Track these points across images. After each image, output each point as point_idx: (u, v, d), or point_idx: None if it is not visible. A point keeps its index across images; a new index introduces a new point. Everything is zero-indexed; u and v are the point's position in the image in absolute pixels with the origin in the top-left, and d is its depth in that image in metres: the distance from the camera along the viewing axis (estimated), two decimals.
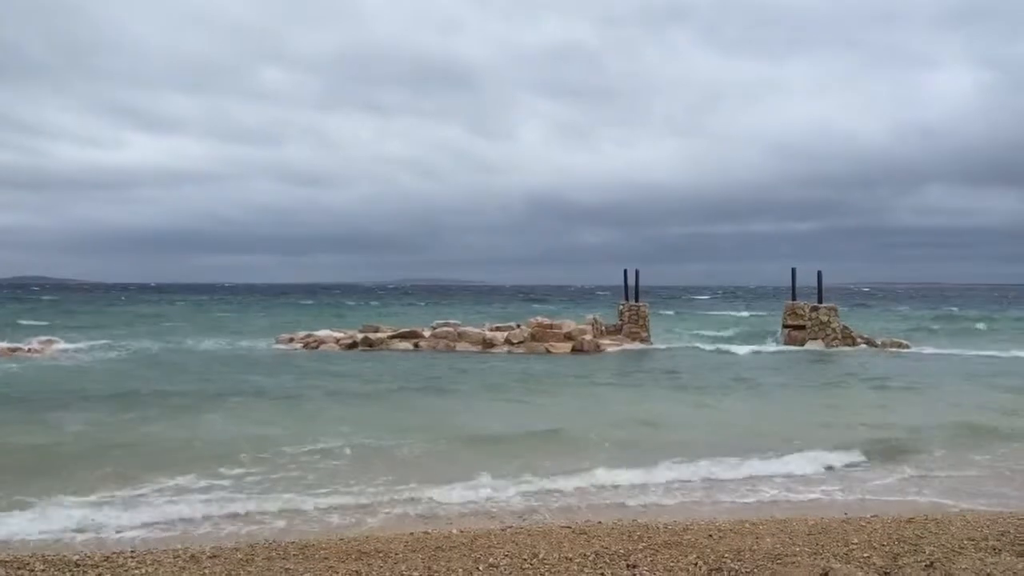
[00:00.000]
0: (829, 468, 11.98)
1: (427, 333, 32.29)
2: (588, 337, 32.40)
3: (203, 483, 10.56)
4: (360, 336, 31.96)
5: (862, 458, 12.48)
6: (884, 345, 34.17)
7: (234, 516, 9.24)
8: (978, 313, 64.77)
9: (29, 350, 29.06)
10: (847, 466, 12.08)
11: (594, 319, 35.09)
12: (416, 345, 31.16)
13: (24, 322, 46.22)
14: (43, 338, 31.73)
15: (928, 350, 33.74)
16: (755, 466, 11.95)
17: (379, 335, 32.03)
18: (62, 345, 31.32)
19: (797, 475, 11.54)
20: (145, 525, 8.81)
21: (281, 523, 9.00)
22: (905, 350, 33.45)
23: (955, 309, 73.41)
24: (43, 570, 6.68)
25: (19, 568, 6.73)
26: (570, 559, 6.97)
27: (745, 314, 61.42)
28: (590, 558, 6.99)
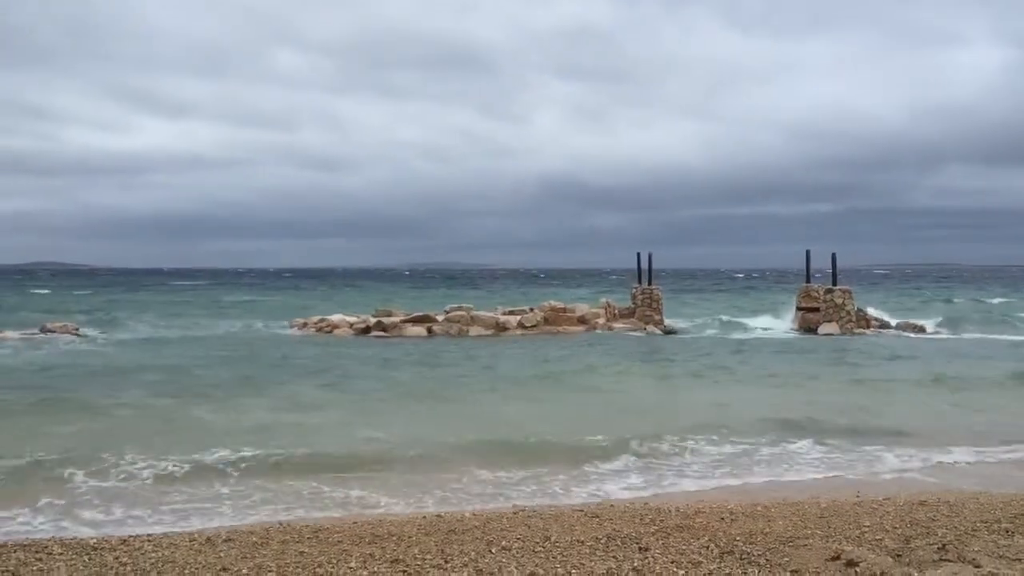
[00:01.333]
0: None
1: (440, 318, 32.31)
2: (601, 321, 32.40)
3: (234, 463, 10.71)
4: (373, 321, 32.02)
5: None
6: (900, 328, 34.01)
7: (256, 500, 9.36)
8: (997, 296, 64.28)
9: (47, 334, 29.29)
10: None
11: (607, 303, 35.05)
12: (429, 330, 31.20)
13: (38, 307, 46.52)
14: (59, 323, 31.92)
15: (945, 334, 33.56)
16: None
17: (392, 320, 32.08)
18: (80, 330, 31.55)
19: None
20: (172, 509, 8.96)
21: (302, 510, 9.10)
22: (921, 334, 33.26)
23: (974, 291, 72.90)
24: (61, 553, 6.77)
25: (37, 551, 6.82)
26: (582, 542, 7.00)
27: (761, 297, 61.17)
28: (602, 541, 7.02)
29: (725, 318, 40.74)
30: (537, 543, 6.98)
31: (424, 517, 8.23)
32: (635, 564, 6.35)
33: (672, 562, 6.41)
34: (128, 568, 6.32)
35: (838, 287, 33.84)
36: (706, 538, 7.08)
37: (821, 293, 33.94)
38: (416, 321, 32.05)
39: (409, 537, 7.26)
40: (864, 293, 43.87)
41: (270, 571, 6.22)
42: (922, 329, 34.04)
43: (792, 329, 34.23)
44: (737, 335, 32.81)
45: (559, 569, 6.25)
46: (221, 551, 6.86)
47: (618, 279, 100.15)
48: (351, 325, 31.96)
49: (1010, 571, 5.91)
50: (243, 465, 10.78)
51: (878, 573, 5.98)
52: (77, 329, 31.47)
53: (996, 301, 56.23)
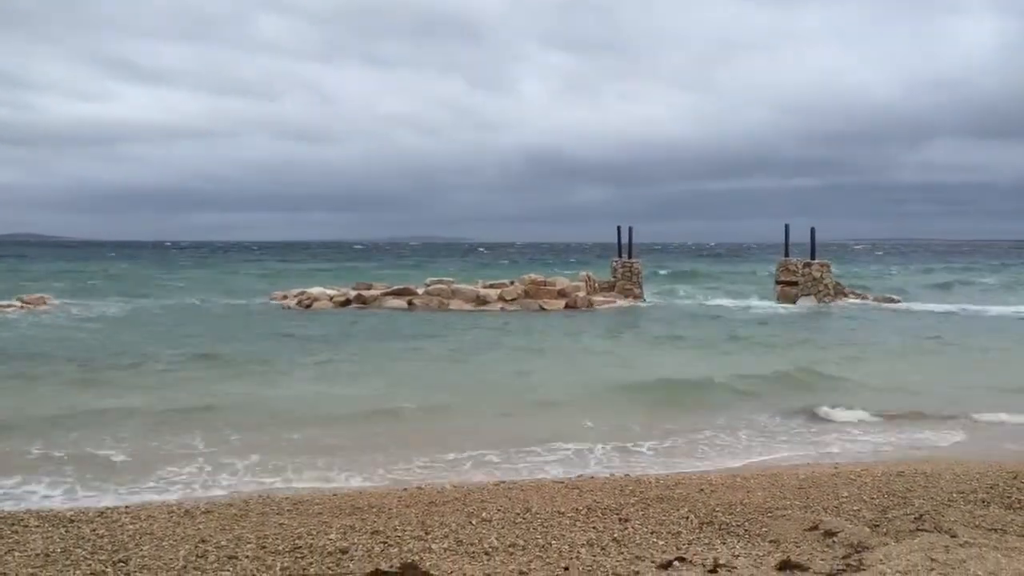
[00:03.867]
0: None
1: (421, 291, 32.22)
2: (581, 294, 32.39)
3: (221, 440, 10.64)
4: (353, 294, 31.88)
5: None
6: (876, 300, 34.29)
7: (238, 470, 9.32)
8: (974, 268, 64.87)
9: (22, 306, 28.89)
10: None
11: (587, 276, 35.06)
12: (410, 303, 31.09)
13: (12, 279, 45.90)
14: (35, 295, 31.47)
15: (917, 306, 33.83)
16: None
17: (372, 293, 31.95)
18: (57, 302, 31.16)
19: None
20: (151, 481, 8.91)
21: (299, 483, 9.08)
22: (896, 304, 33.55)
23: (952, 265, 73.51)
24: (37, 526, 6.70)
25: (13, 524, 6.74)
26: (562, 513, 7.01)
27: (742, 270, 61.42)
28: (582, 512, 7.04)
29: (705, 291, 40.92)
30: (518, 514, 6.98)
31: (405, 489, 8.22)
32: (615, 535, 6.37)
33: (652, 533, 6.44)
34: (105, 540, 6.27)
35: (816, 260, 34.09)
36: (686, 509, 7.11)
37: (799, 267, 34.18)
38: (397, 294, 31.93)
39: (389, 509, 7.25)
40: (846, 266, 43.89)
41: (249, 542, 6.18)
42: (897, 301, 34.35)
43: (771, 302, 34.43)
44: (715, 308, 32.92)
45: (540, 540, 6.26)
46: (200, 523, 6.82)
47: (602, 253, 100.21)
48: (331, 298, 31.79)
49: (986, 541, 5.97)
50: (228, 440, 10.73)
51: (856, 543, 6.02)
52: (54, 300, 31.06)
53: (973, 272, 56.67)
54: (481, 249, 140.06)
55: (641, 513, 7.00)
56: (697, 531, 6.50)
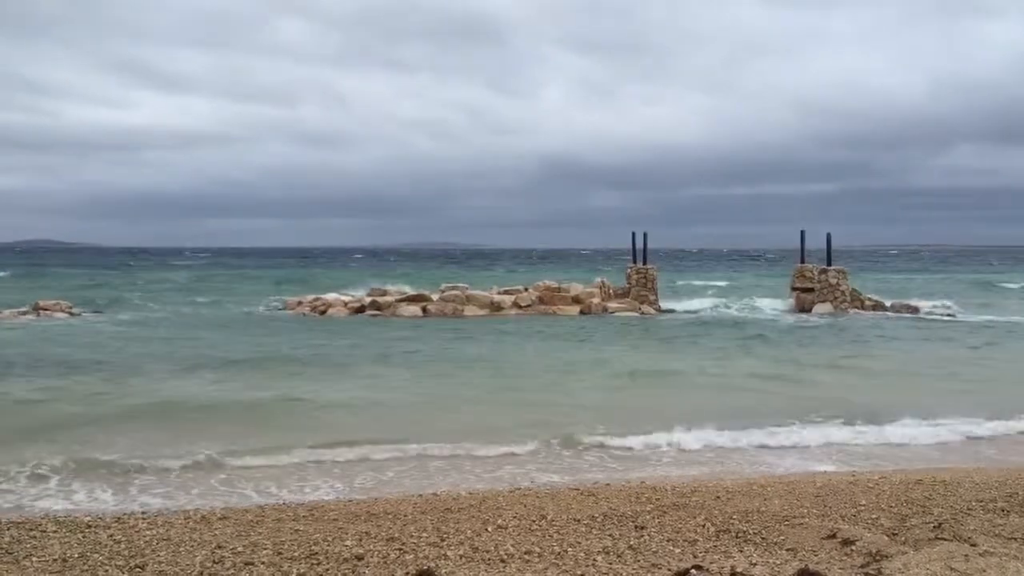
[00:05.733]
0: None
1: (435, 297, 32.26)
2: (596, 301, 32.37)
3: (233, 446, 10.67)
4: (368, 300, 31.96)
5: None
6: (894, 308, 34.03)
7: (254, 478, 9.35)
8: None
9: (38, 313, 29.09)
10: None
11: (602, 282, 35.00)
12: (424, 309, 31.14)
13: (30, 286, 46.27)
14: (52, 301, 31.64)
15: (939, 314, 33.54)
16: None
17: (387, 299, 32.01)
18: (74, 309, 31.34)
19: None
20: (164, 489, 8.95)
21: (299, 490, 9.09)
22: (914, 314, 33.28)
23: (976, 270, 72.91)
24: (55, 531, 6.73)
25: (31, 529, 6.78)
26: (578, 520, 6.99)
27: (758, 277, 61.18)
28: (598, 520, 7.01)
29: (721, 298, 40.75)
30: (533, 521, 6.97)
31: (420, 495, 8.22)
32: (631, 542, 6.34)
33: (668, 540, 6.40)
34: (122, 546, 6.29)
35: (832, 267, 33.88)
36: (702, 516, 7.07)
37: (815, 273, 33.98)
38: (411, 300, 31.98)
39: (405, 515, 7.25)
40: (864, 272, 43.59)
41: (265, 549, 6.19)
42: (916, 309, 34.08)
43: (787, 309, 34.25)
44: (732, 315, 32.82)
45: (556, 547, 6.24)
46: (216, 528, 6.83)
47: (618, 259, 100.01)
48: (345, 304, 31.90)
49: (1006, 550, 5.91)
50: (244, 447, 10.78)
51: (874, 551, 5.97)
52: (71, 308, 31.27)
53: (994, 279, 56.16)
54: (500, 255, 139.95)
55: (657, 520, 6.97)
56: (714, 539, 6.46)
